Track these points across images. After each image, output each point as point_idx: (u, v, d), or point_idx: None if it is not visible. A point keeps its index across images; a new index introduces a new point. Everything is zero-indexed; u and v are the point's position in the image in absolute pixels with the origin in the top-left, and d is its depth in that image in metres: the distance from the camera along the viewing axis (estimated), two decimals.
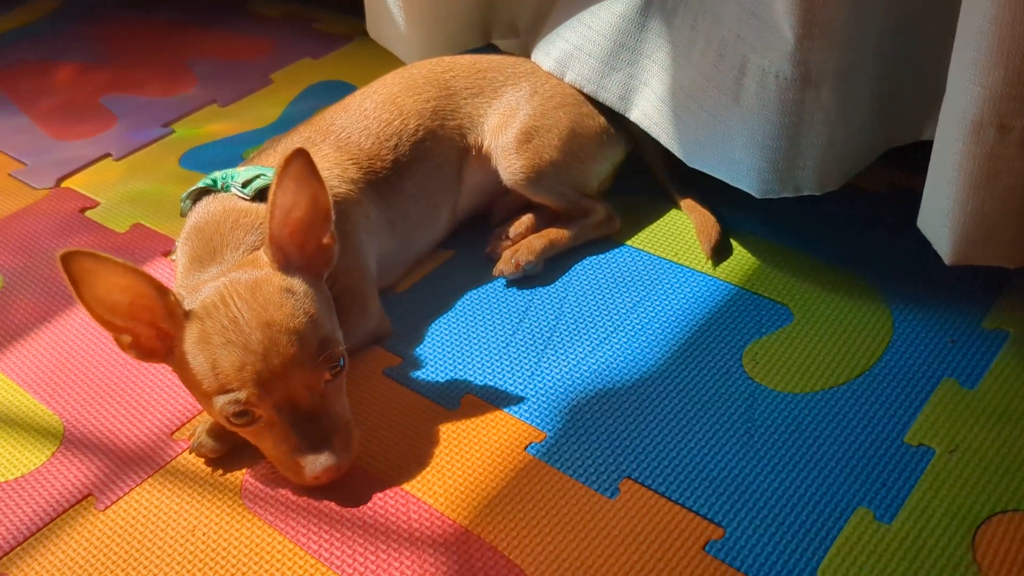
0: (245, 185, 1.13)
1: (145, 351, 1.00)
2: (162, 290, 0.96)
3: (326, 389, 0.99)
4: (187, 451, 1.10)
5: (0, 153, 1.75)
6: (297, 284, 1.00)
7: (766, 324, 1.19)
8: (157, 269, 1.40)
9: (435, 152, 1.28)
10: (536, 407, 1.11)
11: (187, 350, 0.97)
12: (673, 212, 1.39)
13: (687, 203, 1.36)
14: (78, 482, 1.08)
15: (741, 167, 1.20)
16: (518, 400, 1.12)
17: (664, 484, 1.00)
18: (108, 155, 1.70)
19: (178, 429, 1.14)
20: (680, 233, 1.35)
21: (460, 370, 1.17)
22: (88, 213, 1.55)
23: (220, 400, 0.96)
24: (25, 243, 1.49)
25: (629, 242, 1.34)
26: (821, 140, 1.14)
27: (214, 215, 1.11)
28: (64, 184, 1.64)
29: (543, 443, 1.06)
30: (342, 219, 1.15)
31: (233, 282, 0.99)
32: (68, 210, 1.56)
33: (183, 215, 1.18)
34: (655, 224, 1.37)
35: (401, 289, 1.31)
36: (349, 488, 1.03)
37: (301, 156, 0.98)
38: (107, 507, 1.05)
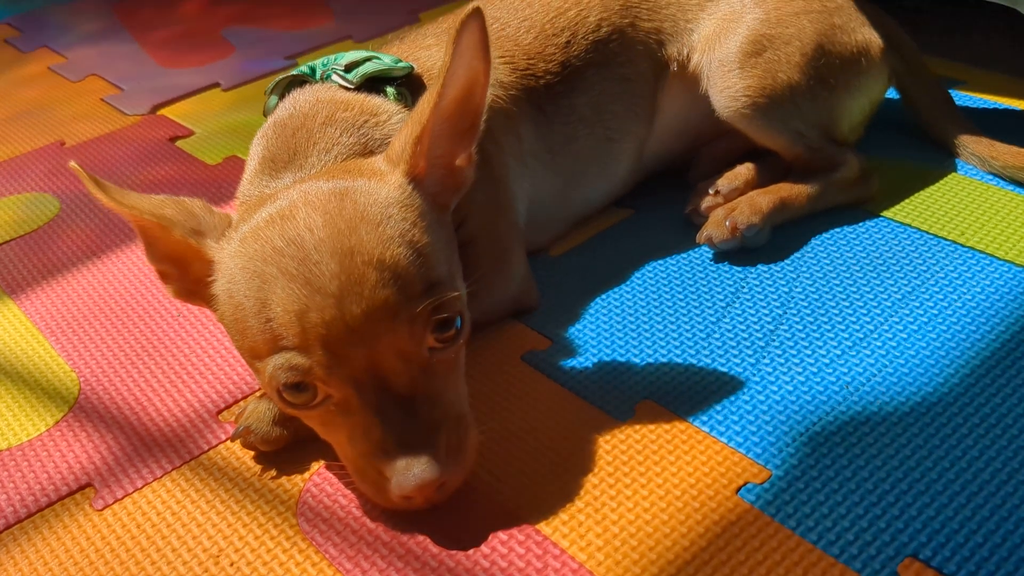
0: (349, 70, 0.80)
1: (183, 290, 0.68)
2: (165, 222, 0.64)
3: (432, 362, 0.64)
4: (230, 439, 0.76)
5: (98, 77, 1.50)
6: (414, 199, 0.65)
7: None
8: None
9: (621, 59, 0.92)
10: (754, 430, 0.72)
11: (222, 288, 0.64)
12: (951, 179, 0.98)
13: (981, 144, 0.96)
14: (78, 465, 0.76)
15: None
16: (724, 416, 0.73)
17: (975, 572, 0.59)
18: (216, 85, 1.42)
19: (227, 408, 0.80)
20: (966, 206, 0.93)
21: (634, 365, 0.79)
22: (179, 143, 1.26)
23: (270, 364, 0.61)
24: (96, 169, 1.21)
25: (888, 214, 0.94)
26: None
27: (302, 107, 0.78)
28: (160, 112, 1.36)
29: (766, 486, 0.67)
30: (484, 136, 0.79)
31: (308, 191, 0.65)
32: (156, 138, 1.28)
33: (267, 115, 0.85)
34: (926, 192, 0.96)
35: (556, 253, 0.95)
36: (457, 519, 0.67)
37: (478, 20, 0.64)
38: (107, 506, 0.72)
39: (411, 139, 0.66)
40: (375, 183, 0.66)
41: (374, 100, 0.78)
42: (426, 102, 0.66)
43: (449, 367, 0.66)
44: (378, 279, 0.61)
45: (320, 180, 0.67)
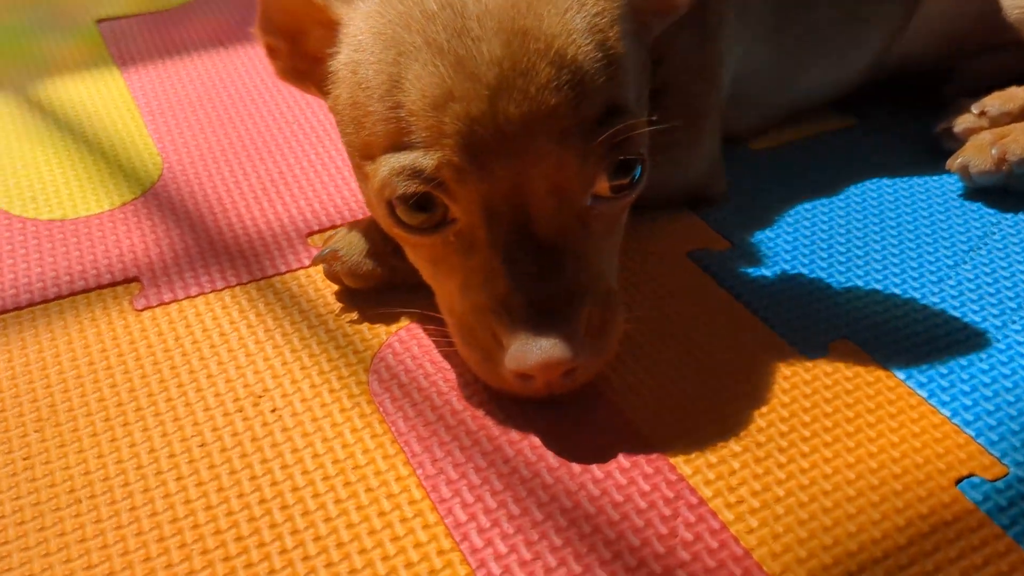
0: None
1: (293, 69, 0.53)
2: None
3: (591, 214, 0.47)
4: (312, 263, 0.61)
5: None
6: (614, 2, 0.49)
7: None
8: None
9: None
10: (990, 409, 0.52)
11: (344, 60, 0.49)
12: None
13: None
14: (131, 255, 0.63)
15: None
16: (951, 383, 0.54)
17: None
18: None
19: (320, 231, 0.65)
20: None
21: (835, 294, 0.60)
22: None
23: (387, 164, 0.46)
24: None
25: None
26: None
27: None
28: None
29: (999, 485, 0.48)
30: None
31: None
32: None
33: None
34: None
35: (756, 146, 0.76)
36: (569, 425, 0.50)
37: None
38: (148, 307, 0.58)
39: None
40: None
41: None
42: None
43: (609, 227, 0.50)
44: (551, 77, 0.44)
45: None
